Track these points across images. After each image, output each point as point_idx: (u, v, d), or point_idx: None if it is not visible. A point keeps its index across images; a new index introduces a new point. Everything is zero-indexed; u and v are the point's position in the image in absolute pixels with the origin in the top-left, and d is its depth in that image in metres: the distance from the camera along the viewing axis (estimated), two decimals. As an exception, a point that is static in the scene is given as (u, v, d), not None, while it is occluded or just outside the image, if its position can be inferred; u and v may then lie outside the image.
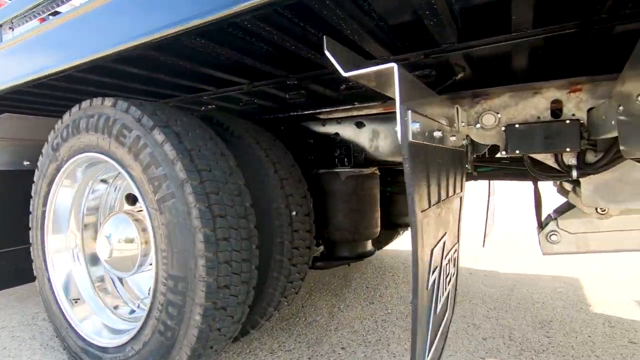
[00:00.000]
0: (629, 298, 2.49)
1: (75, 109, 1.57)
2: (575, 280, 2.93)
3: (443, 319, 1.24)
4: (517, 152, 1.54)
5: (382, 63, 0.82)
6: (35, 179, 1.75)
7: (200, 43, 1.29)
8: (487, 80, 1.59)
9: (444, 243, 1.24)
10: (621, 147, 1.11)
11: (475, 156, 1.80)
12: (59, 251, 1.75)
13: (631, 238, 1.84)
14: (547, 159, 1.56)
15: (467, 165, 1.80)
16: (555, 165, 1.54)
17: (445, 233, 1.26)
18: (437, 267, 1.10)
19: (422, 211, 0.90)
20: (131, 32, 1.14)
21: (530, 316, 2.24)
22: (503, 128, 1.57)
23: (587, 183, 1.50)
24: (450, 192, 1.32)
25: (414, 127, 0.86)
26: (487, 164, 2.24)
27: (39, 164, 1.73)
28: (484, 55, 1.38)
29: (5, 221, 2.11)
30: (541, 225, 2.02)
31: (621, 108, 1.07)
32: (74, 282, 1.74)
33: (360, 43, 1.33)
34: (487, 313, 2.30)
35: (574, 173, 1.46)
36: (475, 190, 3.01)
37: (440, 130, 1.08)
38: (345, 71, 0.89)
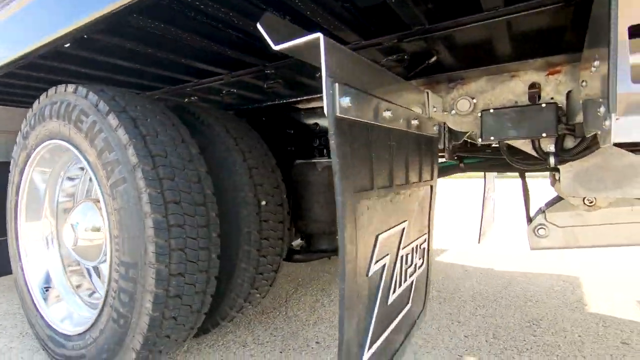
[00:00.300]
0: (632, 298, 2.36)
1: (43, 96, 1.57)
2: (575, 279, 2.80)
3: (401, 312, 1.18)
4: (492, 138, 1.46)
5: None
6: (10, 168, 1.76)
7: (154, 26, 1.27)
8: (463, 63, 1.52)
9: (403, 231, 1.18)
10: (584, 130, 1.03)
11: (453, 144, 1.73)
12: (32, 239, 1.76)
13: (622, 232, 1.74)
14: (525, 145, 1.47)
15: (444, 154, 1.73)
16: (533, 153, 1.45)
17: (405, 221, 1.19)
18: (386, 255, 1.04)
19: (356, 192, 0.85)
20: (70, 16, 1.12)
21: (519, 314, 2.14)
22: (479, 114, 1.50)
23: (567, 171, 1.40)
24: (414, 179, 1.26)
25: (344, 101, 0.81)
26: (473, 154, 2.15)
27: (13, 153, 1.74)
28: (457, 36, 1.31)
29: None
30: (530, 220, 1.92)
31: (584, 84, 0.98)
32: (46, 270, 1.74)
33: (329, 29, 1.29)
34: (474, 310, 2.21)
35: (552, 160, 1.37)
36: (475, 187, 2.91)
37: (389, 110, 1.02)
38: (275, 44, 0.85)
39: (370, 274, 0.93)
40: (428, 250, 1.48)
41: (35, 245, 1.77)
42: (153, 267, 1.19)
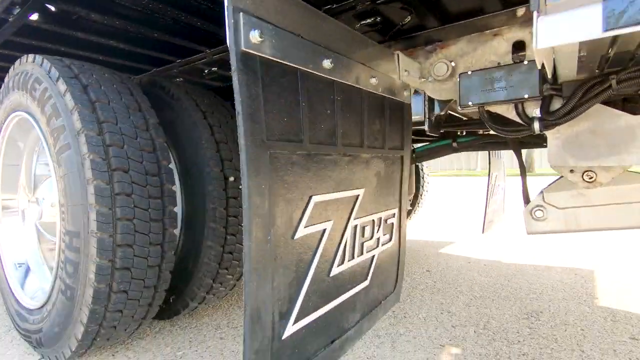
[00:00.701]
0: (651, 293, 2.12)
1: (11, 69, 1.56)
2: (590, 272, 2.56)
3: (353, 288, 1.07)
4: (471, 104, 1.32)
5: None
6: (-12, 143, 1.78)
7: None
8: (439, 21, 1.38)
9: (357, 199, 1.07)
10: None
11: (436, 116, 1.59)
12: (8, 212, 1.76)
13: (629, 213, 1.54)
14: (508, 111, 1.32)
15: (426, 127, 1.59)
16: (517, 119, 1.29)
17: (361, 189, 1.08)
18: (327, 220, 0.94)
19: (271, 140, 0.75)
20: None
21: (518, 307, 1.97)
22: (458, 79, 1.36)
23: (555, 137, 1.24)
24: (373, 143, 1.14)
25: (253, 34, 0.71)
26: (465, 129, 1.99)
27: (-10, 129, 1.76)
28: None
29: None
30: (528, 201, 1.75)
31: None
32: (20, 243, 1.74)
33: None
34: (469, 301, 2.05)
35: (537, 126, 1.21)
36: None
37: (329, 59, 0.91)
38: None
39: (297, 236, 0.83)
40: (399, 227, 1.35)
41: (10, 218, 1.77)
42: (95, 236, 1.14)
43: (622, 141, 1.13)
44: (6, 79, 1.58)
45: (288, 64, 0.80)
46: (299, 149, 0.83)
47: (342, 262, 1.00)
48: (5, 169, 1.71)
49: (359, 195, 1.07)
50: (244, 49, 0.70)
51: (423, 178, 3.63)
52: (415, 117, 1.60)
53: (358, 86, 1.05)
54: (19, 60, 1.50)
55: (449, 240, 3.66)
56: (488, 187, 2.79)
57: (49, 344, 1.37)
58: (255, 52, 0.72)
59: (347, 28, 1.04)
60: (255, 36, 0.71)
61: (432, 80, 1.43)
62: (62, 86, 1.23)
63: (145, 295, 1.34)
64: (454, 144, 2.02)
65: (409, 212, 3.51)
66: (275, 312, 0.76)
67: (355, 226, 1.06)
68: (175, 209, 1.37)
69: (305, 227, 0.85)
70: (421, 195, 3.60)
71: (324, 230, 0.92)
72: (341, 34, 1.00)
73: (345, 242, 1.01)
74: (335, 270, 0.98)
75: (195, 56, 1.89)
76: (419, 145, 2.37)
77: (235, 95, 0.69)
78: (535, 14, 0.52)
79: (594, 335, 1.63)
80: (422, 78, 1.46)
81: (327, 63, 0.91)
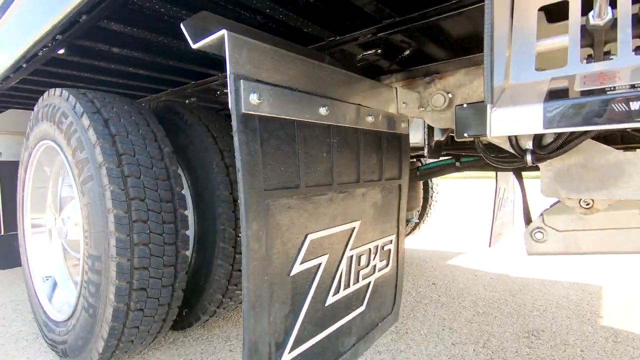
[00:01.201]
0: (659, 312, 2.12)
1: (40, 100, 1.70)
2: (598, 288, 2.56)
3: (349, 314, 1.14)
4: (466, 135, 1.37)
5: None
6: (19, 167, 1.93)
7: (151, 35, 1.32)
8: (437, 55, 1.44)
9: (353, 231, 1.14)
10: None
11: (436, 141, 1.65)
12: (36, 231, 1.91)
13: (628, 238, 1.56)
14: (503, 143, 1.37)
15: (425, 152, 1.65)
16: (511, 150, 1.34)
17: (357, 221, 1.16)
18: (323, 255, 1.01)
19: (269, 190, 0.84)
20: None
21: (520, 324, 2.00)
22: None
23: (547, 169, 1.28)
24: (370, 177, 1.22)
25: (252, 97, 0.80)
26: (469, 153, 2.03)
27: (21, 153, 1.91)
28: (428, 27, 1.24)
29: (12, 207, 2.36)
30: (529, 222, 1.79)
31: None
32: (48, 260, 1.89)
33: (297, 26, 1.27)
34: (471, 317, 2.09)
35: (529, 158, 1.26)
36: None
37: (325, 107, 0.99)
38: (194, 43, 0.86)
39: (293, 273, 0.91)
40: (397, 252, 1.42)
41: (39, 236, 1.92)
42: (115, 260, 1.25)
43: (611, 176, 1.17)
44: (36, 109, 1.72)
45: (285, 117, 0.88)
46: (296, 194, 0.91)
47: (337, 291, 1.08)
48: (34, 191, 1.85)
49: (354, 227, 1.14)
50: (244, 112, 0.79)
51: (432, 188, 3.66)
52: (415, 143, 1.67)
53: (354, 126, 1.13)
54: (47, 92, 1.63)
55: (457, 251, 3.68)
56: (495, 202, 2.81)
57: (73, 354, 1.50)
58: (254, 113, 0.81)
59: (343, 72, 1.11)
60: (254, 99, 0.80)
61: (431, 110, 1.49)
62: (86, 121, 1.35)
63: (159, 312, 1.44)
64: (457, 164, 2.06)
65: (416, 225, 3.55)
66: (272, 344, 0.85)
67: (351, 256, 1.14)
68: (188, 232, 1.48)
69: (300, 264, 0.93)
70: (430, 206, 3.63)
71: (320, 264, 1.00)
72: (337, 79, 1.08)
73: (341, 273, 1.09)
74: (331, 300, 1.06)
75: (208, 78, 2.01)
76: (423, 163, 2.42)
77: (235, 153, 0.78)
78: (489, 106, 0.58)
79: (593, 357, 1.66)
80: (421, 108, 1.52)
81: (323, 110, 0.99)
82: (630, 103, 0.44)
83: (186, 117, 1.80)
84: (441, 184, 4.05)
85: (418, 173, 2.27)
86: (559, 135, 1.20)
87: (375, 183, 1.24)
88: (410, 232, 3.66)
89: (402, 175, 1.40)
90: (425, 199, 3.62)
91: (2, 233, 2.46)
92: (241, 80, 0.78)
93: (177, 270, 1.44)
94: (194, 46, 0.85)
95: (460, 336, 1.87)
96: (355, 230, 1.15)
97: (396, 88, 1.40)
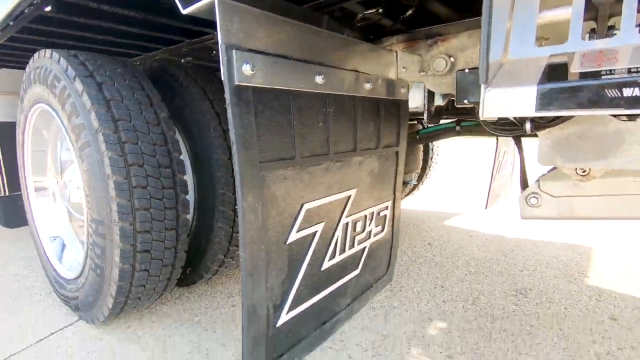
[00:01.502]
0: (645, 273, 2.20)
1: (30, 61, 1.65)
2: (588, 249, 2.64)
3: (344, 277, 1.20)
4: (466, 102, 1.35)
5: None
6: (16, 129, 1.92)
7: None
8: (441, 16, 1.37)
9: (349, 199, 1.16)
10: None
11: (436, 107, 1.62)
12: (40, 193, 1.95)
13: (622, 204, 1.59)
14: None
15: (424, 117, 1.63)
16: (511, 118, 1.33)
17: (353, 189, 1.18)
18: (319, 222, 1.04)
19: (264, 162, 0.84)
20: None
21: (509, 283, 2.09)
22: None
23: (545, 138, 1.28)
24: (368, 145, 1.21)
25: (246, 68, 0.78)
26: (469, 118, 2.01)
27: (17, 115, 1.89)
28: None
29: (14, 169, 2.38)
30: (525, 187, 1.81)
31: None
32: (53, 221, 1.94)
33: None
34: (463, 276, 2.19)
35: (528, 126, 1.25)
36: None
37: (322, 75, 0.97)
38: (184, 8, 0.82)
39: (289, 241, 0.94)
40: (393, 217, 1.46)
41: (43, 199, 1.96)
42: (117, 225, 1.29)
43: (610, 145, 1.16)
44: (27, 70, 1.68)
45: (280, 88, 0.87)
46: (291, 165, 0.92)
47: (333, 256, 1.12)
48: (34, 155, 1.86)
49: (350, 195, 1.17)
50: (237, 83, 0.77)
51: (432, 150, 3.65)
52: (415, 108, 1.64)
53: (352, 94, 1.11)
54: (37, 53, 1.58)
55: (455, 212, 3.75)
56: (494, 164, 2.82)
57: (85, 309, 1.59)
58: (247, 84, 0.79)
59: (341, 37, 1.07)
60: (247, 70, 0.78)
61: (432, 74, 1.45)
62: (79, 86, 1.33)
63: (164, 272, 1.51)
64: (458, 128, 2.04)
65: (415, 187, 3.58)
66: (269, 307, 0.90)
67: (347, 223, 1.17)
68: (188, 197, 1.50)
69: (297, 232, 0.96)
70: (429, 168, 3.64)
71: (315, 232, 1.03)
72: (335, 44, 1.04)
73: (337, 239, 1.13)
74: (327, 264, 1.10)
75: (204, 37, 1.93)
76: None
77: (229, 126, 0.77)
78: (483, 86, 0.56)
79: (576, 314, 1.76)
80: (422, 72, 1.48)
81: (319, 79, 0.97)
82: (624, 89, 0.43)
83: (182, 79, 1.76)
84: (442, 144, 4.03)
85: (418, 137, 2.26)
86: (560, 103, 1.18)
87: (373, 151, 1.25)
88: (408, 194, 3.71)
89: (399, 142, 1.39)
90: (425, 161, 3.62)
91: (7, 194, 2.50)
92: (233, 51, 0.75)
93: (178, 233, 1.49)
94: (184, 11, 0.81)
95: (451, 294, 1.97)
96: (351, 198, 1.17)
97: (397, 52, 1.35)
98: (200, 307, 1.86)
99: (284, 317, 0.96)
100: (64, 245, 1.91)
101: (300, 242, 0.99)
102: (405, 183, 3.34)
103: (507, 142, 3.13)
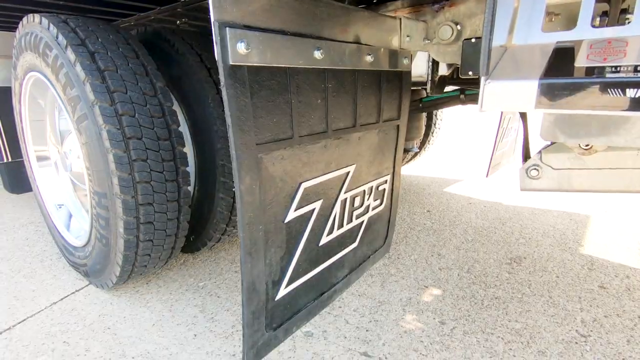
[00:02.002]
0: (638, 243, 2.24)
1: (20, 26, 1.59)
2: (586, 217, 2.67)
3: (342, 251, 1.23)
4: (471, 73, 1.30)
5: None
6: (12, 96, 1.89)
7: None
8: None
9: (347, 175, 1.17)
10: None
11: (440, 76, 1.57)
12: (42, 162, 1.96)
13: (622, 178, 1.58)
14: (509, 82, 1.30)
15: (427, 87, 1.59)
16: (516, 90, 1.29)
17: (352, 165, 1.18)
18: (318, 200, 1.06)
19: (262, 143, 0.84)
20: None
21: (505, 251, 2.14)
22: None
23: (549, 113, 1.25)
24: (368, 120, 1.20)
25: (240, 47, 0.75)
26: (473, 87, 1.95)
27: (11, 81, 1.85)
28: None
29: (13, 135, 2.37)
30: (527, 158, 1.80)
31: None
32: (58, 190, 1.97)
33: None
34: (460, 244, 2.24)
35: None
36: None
37: (320, 50, 0.93)
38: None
39: (287, 220, 0.96)
40: (392, 190, 1.46)
41: (45, 168, 1.97)
42: (120, 198, 1.31)
43: (614, 122, 1.14)
44: (17, 35, 1.62)
45: (276, 65, 0.84)
46: (289, 145, 0.91)
47: (331, 232, 1.15)
48: (32, 124, 1.85)
49: (349, 172, 1.17)
50: (232, 63, 0.75)
51: (435, 116, 3.59)
52: (418, 76, 1.59)
53: (352, 68, 1.07)
54: (25, 18, 1.52)
55: (455, 178, 3.76)
56: (498, 131, 2.78)
57: (94, 275, 1.66)
58: (242, 64, 0.77)
59: (341, 6, 1.02)
60: (242, 48, 0.75)
61: (437, 43, 1.39)
62: (71, 55, 1.29)
63: (167, 242, 1.56)
64: (462, 96, 2.00)
65: (416, 154, 3.56)
66: (268, 282, 0.94)
67: (345, 199, 1.18)
68: (188, 169, 1.51)
69: (295, 211, 0.98)
70: (432, 134, 3.60)
71: (314, 209, 1.05)
72: (334, 14, 0.99)
73: (335, 215, 1.15)
74: (325, 240, 1.13)
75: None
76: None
77: (225, 109, 0.76)
78: (482, 79, 0.54)
79: (567, 282, 1.82)
80: (427, 40, 1.42)
81: (317, 54, 0.93)
82: (628, 90, 0.41)
83: (177, 46, 1.70)
84: (445, 111, 3.95)
85: (420, 105, 2.21)
86: (567, 78, 1.14)
87: (373, 126, 1.23)
88: (410, 160, 3.70)
89: (401, 116, 1.37)
90: (428, 126, 3.57)
91: (9, 160, 2.51)
92: (227, 29, 0.72)
93: (180, 205, 1.51)
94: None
95: (447, 262, 2.03)
96: (350, 174, 1.17)
97: (400, 19, 1.29)
98: (204, 272, 1.94)
99: (283, 292, 1.00)
100: (70, 214, 1.95)
101: (299, 219, 1.00)
102: (407, 150, 3.32)
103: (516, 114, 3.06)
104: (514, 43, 0.53)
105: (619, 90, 0.42)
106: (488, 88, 0.54)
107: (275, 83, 0.85)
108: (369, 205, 1.32)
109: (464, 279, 1.86)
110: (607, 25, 0.51)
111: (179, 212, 1.52)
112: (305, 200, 1.01)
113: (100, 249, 1.51)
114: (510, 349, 1.37)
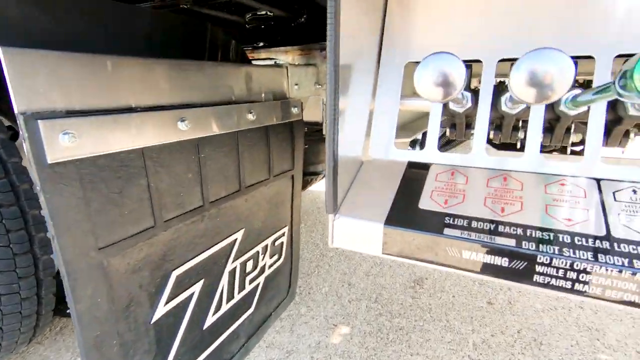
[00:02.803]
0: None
1: None
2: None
3: (234, 323, 1.13)
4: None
5: None
6: None
7: None
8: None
9: (235, 242, 1.06)
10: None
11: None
12: None
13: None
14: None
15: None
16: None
17: (240, 230, 1.08)
18: (197, 282, 0.94)
19: (106, 246, 0.69)
20: None
21: (409, 273, 2.25)
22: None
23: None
24: (257, 179, 1.11)
25: (63, 140, 0.60)
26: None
27: None
28: None
29: None
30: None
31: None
32: None
33: None
34: (369, 270, 2.29)
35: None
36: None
37: (185, 120, 0.82)
38: None
39: (156, 318, 0.83)
40: (291, 241, 1.40)
41: None
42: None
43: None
44: None
45: (122, 150, 0.70)
46: (151, 235, 0.78)
47: (218, 309, 1.03)
48: None
49: (237, 239, 1.07)
50: (52, 162, 0.59)
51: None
52: (313, 122, 1.56)
53: (230, 131, 0.97)
54: None
55: (367, 193, 3.90)
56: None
57: None
58: (70, 158, 0.62)
59: (211, 64, 0.91)
60: (66, 142, 0.60)
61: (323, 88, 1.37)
62: None
63: (25, 324, 1.28)
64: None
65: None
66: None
67: (234, 268, 1.08)
68: (48, 234, 1.26)
69: (165, 305, 0.84)
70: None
71: (192, 294, 0.93)
72: (202, 76, 0.88)
73: (222, 289, 1.04)
74: (211, 320, 1.01)
75: None
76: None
77: (46, 216, 0.60)
78: (330, 217, 0.50)
79: (461, 302, 1.96)
80: (318, 85, 1.39)
81: (182, 125, 0.82)
82: (463, 251, 0.40)
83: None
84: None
85: (323, 135, 2.21)
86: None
87: (263, 183, 1.15)
88: (318, 181, 3.73)
89: (295, 165, 1.31)
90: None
91: None
92: (39, 122, 0.57)
93: (40, 278, 1.25)
94: None
95: (356, 291, 2.05)
96: (238, 241, 1.08)
97: (287, 67, 1.23)
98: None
99: (158, 397, 0.86)
100: None
101: (172, 312, 0.87)
102: (317, 173, 3.33)
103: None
104: (371, 155, 0.49)
105: (455, 249, 0.41)
106: (337, 224, 0.50)
107: (124, 170, 0.71)
108: (264, 265, 1.24)
109: (372, 310, 1.89)
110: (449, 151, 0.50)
111: (38, 286, 1.25)
112: (180, 287, 0.88)
113: None
114: (412, 388, 1.41)
